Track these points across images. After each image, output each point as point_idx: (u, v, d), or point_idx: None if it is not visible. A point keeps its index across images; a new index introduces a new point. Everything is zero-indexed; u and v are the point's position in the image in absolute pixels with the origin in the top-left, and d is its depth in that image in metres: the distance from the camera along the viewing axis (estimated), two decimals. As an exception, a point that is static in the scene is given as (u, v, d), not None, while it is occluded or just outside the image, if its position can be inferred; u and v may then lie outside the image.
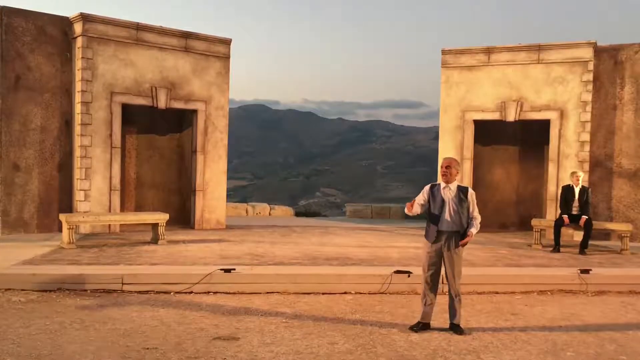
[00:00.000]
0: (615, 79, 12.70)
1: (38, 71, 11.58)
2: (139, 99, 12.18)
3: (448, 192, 5.73)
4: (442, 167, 5.77)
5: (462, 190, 5.75)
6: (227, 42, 13.34)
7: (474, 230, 5.75)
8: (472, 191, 5.84)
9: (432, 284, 5.84)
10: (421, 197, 5.82)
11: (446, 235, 5.73)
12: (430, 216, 5.77)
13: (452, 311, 5.82)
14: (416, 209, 5.79)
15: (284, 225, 14.13)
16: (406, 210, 5.88)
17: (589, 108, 12.48)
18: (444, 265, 5.83)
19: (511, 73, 13.12)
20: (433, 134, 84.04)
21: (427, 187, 5.86)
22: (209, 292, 7.28)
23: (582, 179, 10.91)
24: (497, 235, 13.00)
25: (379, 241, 11.55)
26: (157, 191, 13.66)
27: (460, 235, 5.73)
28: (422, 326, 5.78)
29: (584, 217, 10.49)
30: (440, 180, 5.93)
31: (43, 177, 11.69)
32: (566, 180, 12.04)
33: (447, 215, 5.69)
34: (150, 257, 8.81)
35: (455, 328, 5.75)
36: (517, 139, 14.29)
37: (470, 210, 5.78)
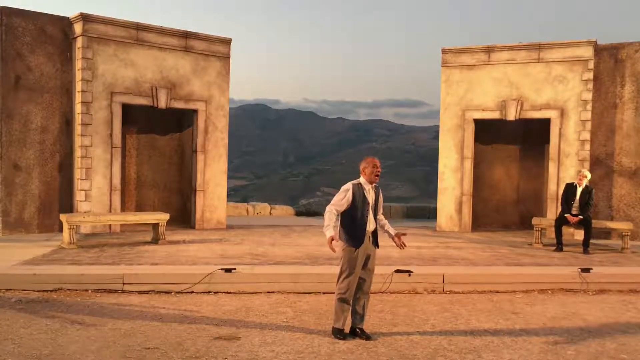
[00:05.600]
0: (615, 77, 12.69)
1: (38, 71, 11.58)
2: (139, 99, 12.18)
3: (372, 193, 5.49)
4: (375, 166, 5.43)
5: (376, 190, 5.57)
6: (227, 42, 13.33)
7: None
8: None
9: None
10: (344, 202, 5.40)
11: (372, 237, 5.51)
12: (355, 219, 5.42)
13: (359, 316, 5.52)
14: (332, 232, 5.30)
15: (284, 225, 14.13)
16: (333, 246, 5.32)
17: (589, 107, 12.48)
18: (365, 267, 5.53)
19: (511, 72, 13.11)
20: (433, 133, 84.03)
21: (350, 190, 5.41)
22: (209, 292, 7.28)
23: (588, 179, 10.69)
24: (498, 234, 13.00)
25: (379, 240, 11.52)
26: (158, 191, 13.67)
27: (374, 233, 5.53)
28: (348, 334, 5.49)
29: (580, 216, 10.47)
30: (363, 180, 5.49)
31: (43, 177, 11.69)
32: (567, 179, 12.05)
33: (371, 216, 5.47)
34: (151, 257, 8.81)
35: (356, 333, 5.49)
36: (517, 138, 14.29)
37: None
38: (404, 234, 5.72)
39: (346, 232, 5.45)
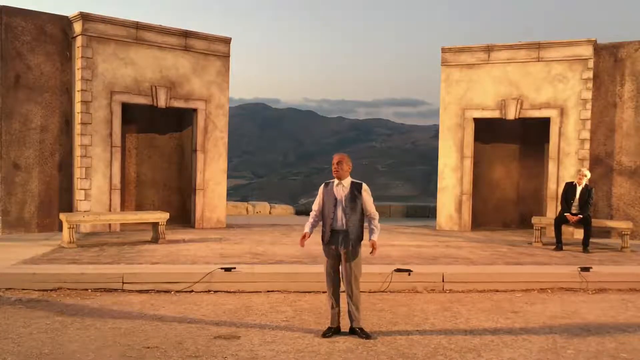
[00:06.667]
0: (615, 76, 12.69)
1: (38, 70, 11.58)
2: (139, 98, 12.18)
3: (341, 190, 5.49)
4: (333, 164, 5.50)
5: (356, 187, 5.52)
6: (226, 41, 13.33)
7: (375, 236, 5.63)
8: (366, 187, 5.59)
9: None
10: (317, 200, 5.65)
11: (342, 235, 5.47)
12: (323, 216, 5.58)
13: (351, 315, 5.50)
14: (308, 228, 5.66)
15: (284, 224, 14.13)
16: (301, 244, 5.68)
17: (589, 106, 12.48)
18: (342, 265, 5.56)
19: (511, 71, 13.10)
20: (433, 132, 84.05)
21: (320, 188, 5.62)
22: (209, 291, 7.29)
23: (588, 178, 10.67)
24: (498, 233, 13.01)
25: (379, 239, 11.53)
26: (158, 190, 13.67)
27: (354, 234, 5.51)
28: (334, 331, 5.48)
29: (580, 215, 10.47)
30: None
31: (43, 176, 11.69)
32: (567, 178, 12.06)
33: (340, 214, 5.46)
34: (151, 256, 8.81)
35: (355, 332, 5.45)
36: (517, 137, 14.28)
37: (367, 207, 5.58)
38: (375, 249, 5.70)
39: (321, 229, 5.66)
